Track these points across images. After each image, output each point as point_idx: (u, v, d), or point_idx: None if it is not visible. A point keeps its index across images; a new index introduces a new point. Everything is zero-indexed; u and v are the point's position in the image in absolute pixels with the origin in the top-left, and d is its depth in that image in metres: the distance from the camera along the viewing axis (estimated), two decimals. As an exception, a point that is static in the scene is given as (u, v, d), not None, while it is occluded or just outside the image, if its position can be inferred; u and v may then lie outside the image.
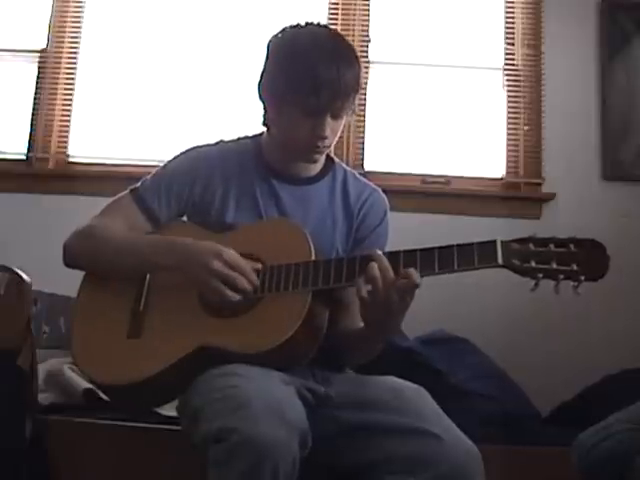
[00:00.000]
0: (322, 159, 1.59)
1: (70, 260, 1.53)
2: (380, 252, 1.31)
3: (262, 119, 1.54)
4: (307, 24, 1.51)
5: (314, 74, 1.40)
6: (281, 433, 1.14)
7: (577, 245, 1.23)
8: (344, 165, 1.66)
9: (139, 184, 1.57)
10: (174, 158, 1.59)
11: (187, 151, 1.59)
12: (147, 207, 1.54)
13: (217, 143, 1.61)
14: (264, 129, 1.58)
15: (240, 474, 1.12)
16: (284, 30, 1.51)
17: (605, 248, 1.23)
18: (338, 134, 1.51)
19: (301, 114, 1.44)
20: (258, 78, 1.51)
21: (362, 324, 1.44)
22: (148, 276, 1.48)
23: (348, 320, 1.49)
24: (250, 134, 1.63)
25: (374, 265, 1.28)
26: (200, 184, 1.54)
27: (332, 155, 1.65)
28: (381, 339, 1.42)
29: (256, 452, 1.12)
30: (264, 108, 1.53)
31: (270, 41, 1.51)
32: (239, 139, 1.63)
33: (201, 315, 1.39)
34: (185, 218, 1.59)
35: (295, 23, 1.51)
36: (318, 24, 1.53)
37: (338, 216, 1.56)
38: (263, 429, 1.13)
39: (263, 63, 1.51)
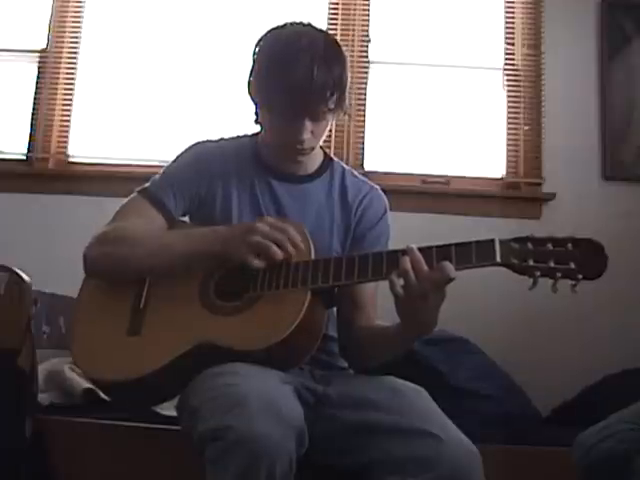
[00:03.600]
0: (320, 157, 1.59)
1: (95, 269, 1.48)
2: (413, 246, 1.28)
3: (255, 117, 1.54)
4: (292, 24, 1.50)
5: (287, 78, 1.39)
6: (277, 431, 1.14)
7: (575, 244, 1.23)
8: (342, 163, 1.66)
9: (149, 184, 1.56)
10: (180, 155, 1.59)
11: (191, 147, 1.59)
12: (163, 205, 1.52)
13: (218, 140, 1.62)
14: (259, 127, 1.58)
15: (236, 472, 1.12)
16: (269, 31, 1.50)
17: (603, 247, 1.23)
18: (324, 134, 1.51)
19: (279, 117, 1.44)
20: (247, 78, 1.51)
21: (378, 322, 1.46)
22: None
23: (363, 320, 1.50)
24: (249, 133, 1.63)
25: (406, 259, 1.26)
26: (205, 182, 1.55)
27: (331, 154, 1.65)
28: (416, 336, 1.38)
29: (252, 450, 1.12)
30: (256, 107, 1.53)
31: (257, 42, 1.51)
32: (238, 137, 1.63)
33: (201, 312, 1.39)
34: (187, 218, 1.59)
35: (282, 23, 1.50)
36: (303, 23, 1.50)
37: (336, 214, 1.56)
38: (259, 427, 1.13)
39: (251, 63, 1.51)
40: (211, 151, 1.58)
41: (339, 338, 1.53)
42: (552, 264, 1.23)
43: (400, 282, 1.25)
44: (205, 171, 1.55)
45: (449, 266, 1.23)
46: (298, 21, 1.51)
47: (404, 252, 1.29)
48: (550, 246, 1.24)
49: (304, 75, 1.38)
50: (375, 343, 1.46)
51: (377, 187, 1.63)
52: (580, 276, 1.21)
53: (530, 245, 1.25)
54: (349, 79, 1.48)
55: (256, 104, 1.52)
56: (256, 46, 1.51)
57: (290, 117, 1.43)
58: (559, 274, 1.22)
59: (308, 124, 1.44)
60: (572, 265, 1.22)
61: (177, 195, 1.53)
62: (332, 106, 1.44)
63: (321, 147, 1.59)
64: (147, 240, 1.46)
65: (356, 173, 1.65)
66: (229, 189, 1.55)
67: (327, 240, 1.53)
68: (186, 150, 1.59)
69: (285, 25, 1.50)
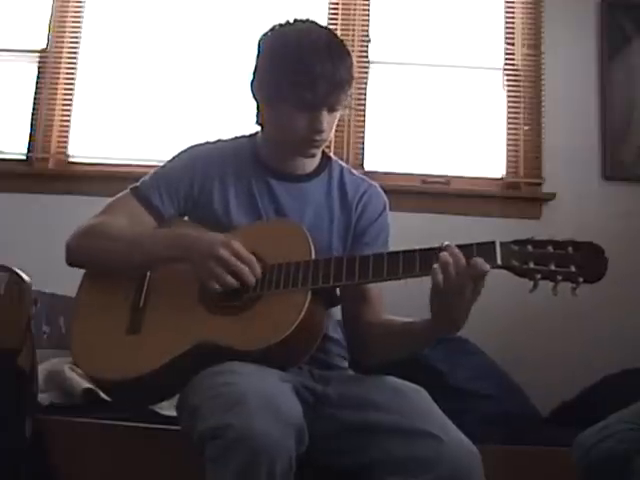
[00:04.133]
0: (318, 156, 1.60)
1: (74, 259, 1.52)
2: (448, 243, 1.27)
3: (255, 118, 1.55)
4: (295, 21, 1.51)
5: (309, 69, 1.40)
6: (276, 429, 1.14)
7: (575, 247, 1.23)
8: (340, 161, 1.66)
9: (139, 183, 1.58)
10: (174, 157, 1.61)
11: (186, 150, 1.61)
12: (150, 203, 1.54)
13: (215, 142, 1.62)
14: (259, 128, 1.58)
15: (236, 470, 1.12)
16: (274, 28, 1.51)
17: (603, 250, 1.23)
18: (334, 128, 1.52)
19: (297, 109, 1.44)
20: (250, 77, 1.51)
21: (386, 317, 1.47)
22: (149, 273, 1.49)
23: (370, 314, 1.50)
24: (247, 133, 1.63)
25: (445, 253, 1.25)
26: (198, 182, 1.55)
27: (329, 153, 1.66)
28: (446, 332, 1.36)
29: (251, 449, 1.12)
30: (257, 107, 1.53)
31: (260, 39, 1.52)
32: (236, 138, 1.64)
33: (201, 312, 1.39)
34: (187, 218, 1.60)
35: (284, 21, 1.51)
36: (306, 20, 1.52)
37: (335, 212, 1.57)
38: (258, 425, 1.13)
39: (255, 62, 1.51)
40: (207, 153, 1.59)
41: (347, 336, 1.53)
42: (553, 267, 1.23)
43: (440, 277, 1.24)
44: (198, 172, 1.55)
45: (480, 261, 1.23)
46: (299, 18, 1.52)
47: (405, 252, 1.31)
48: (551, 249, 1.24)
49: (327, 65, 1.40)
50: (388, 340, 1.46)
51: (375, 184, 1.64)
52: (580, 279, 1.21)
53: (531, 247, 1.25)
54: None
55: (259, 103, 1.52)
56: (260, 44, 1.51)
57: (310, 107, 1.43)
58: (560, 277, 1.22)
59: (325, 114, 1.45)
60: (572, 268, 1.22)
61: (165, 194, 1.55)
62: (345, 98, 1.47)
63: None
64: (123, 238, 1.48)
65: (354, 171, 1.65)
66: (226, 189, 1.55)
67: (327, 239, 1.54)
68: (181, 152, 1.61)
69: (287, 23, 1.51)
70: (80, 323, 1.49)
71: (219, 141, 1.62)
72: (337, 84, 1.43)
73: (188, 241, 1.42)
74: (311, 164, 1.59)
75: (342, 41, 1.51)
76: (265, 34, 1.52)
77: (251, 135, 1.62)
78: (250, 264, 1.36)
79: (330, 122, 1.48)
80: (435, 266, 1.25)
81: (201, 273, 1.38)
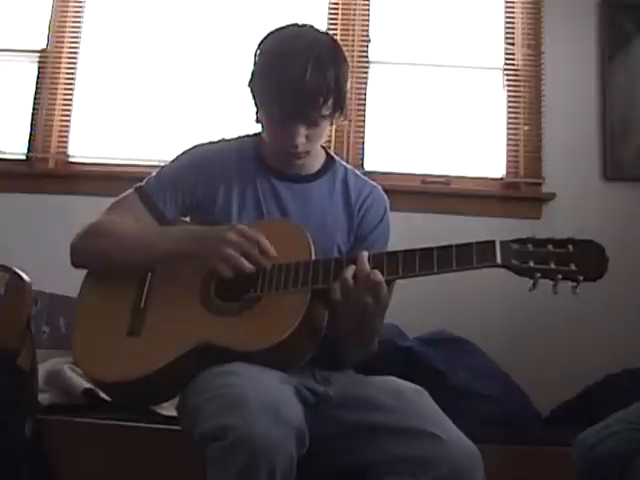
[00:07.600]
0: (321, 157, 1.60)
1: (79, 260, 1.51)
2: (365, 253, 1.32)
3: (255, 117, 1.54)
4: (293, 25, 1.49)
5: (279, 82, 1.39)
6: (277, 431, 1.14)
7: (575, 246, 1.23)
8: (344, 163, 1.66)
9: (144, 182, 1.57)
10: (178, 157, 1.60)
11: (190, 149, 1.60)
12: (153, 204, 1.54)
13: (219, 141, 1.62)
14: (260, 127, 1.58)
15: (237, 472, 1.12)
16: (270, 33, 1.50)
17: (603, 249, 1.23)
18: (321, 139, 1.50)
19: (274, 120, 1.45)
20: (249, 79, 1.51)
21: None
22: (149, 274, 1.48)
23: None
24: (251, 133, 1.63)
25: (351, 267, 1.30)
26: (203, 182, 1.55)
27: (332, 153, 1.65)
28: (363, 341, 1.43)
29: (252, 450, 1.12)
30: (256, 106, 1.53)
31: (258, 44, 1.51)
32: (240, 137, 1.63)
33: (202, 313, 1.39)
34: (188, 219, 1.59)
35: (284, 25, 1.50)
36: (304, 25, 1.50)
37: (339, 213, 1.57)
38: (259, 427, 1.13)
39: (252, 65, 1.51)
40: (211, 154, 1.58)
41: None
42: (552, 265, 1.23)
43: (338, 294, 1.30)
44: (203, 174, 1.55)
45: (377, 273, 1.28)
46: (300, 23, 1.50)
47: (406, 252, 1.32)
48: (550, 247, 1.24)
49: (296, 78, 1.37)
50: (343, 342, 1.48)
51: (379, 186, 1.63)
52: (581, 277, 1.21)
53: (530, 246, 1.25)
54: (348, 82, 1.47)
55: (257, 105, 1.52)
56: (257, 48, 1.50)
57: (283, 121, 1.43)
58: (559, 275, 1.22)
59: (302, 129, 1.43)
60: (572, 267, 1.22)
61: (168, 196, 1.54)
62: (327, 112, 1.43)
63: (323, 147, 1.60)
64: (128, 236, 1.48)
65: (358, 173, 1.65)
66: (230, 190, 1.54)
67: (330, 239, 1.53)
68: (185, 152, 1.60)
69: (286, 27, 1.50)
70: (81, 325, 1.48)
71: (222, 140, 1.62)
72: (307, 99, 1.39)
73: (197, 234, 1.43)
74: (315, 165, 1.59)
75: (336, 50, 1.46)
76: (263, 38, 1.50)
77: (255, 134, 1.62)
78: (260, 243, 1.36)
79: (312, 134, 1.46)
80: (334, 284, 1.30)
81: (211, 261, 1.37)
